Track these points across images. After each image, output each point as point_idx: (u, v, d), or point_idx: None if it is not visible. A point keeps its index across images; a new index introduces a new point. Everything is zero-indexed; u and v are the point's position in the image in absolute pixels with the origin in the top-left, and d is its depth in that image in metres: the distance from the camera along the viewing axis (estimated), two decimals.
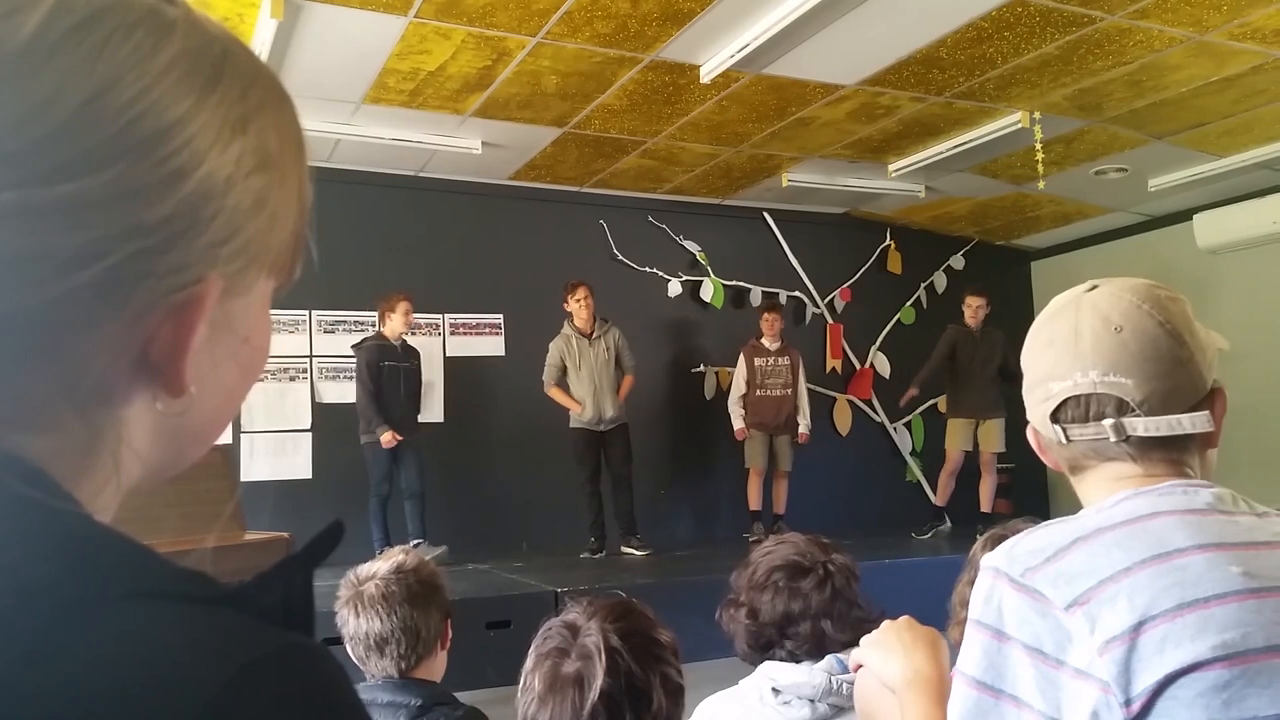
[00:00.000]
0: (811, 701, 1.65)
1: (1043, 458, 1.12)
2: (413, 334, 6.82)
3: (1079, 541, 0.94)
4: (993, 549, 2.11)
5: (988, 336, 6.96)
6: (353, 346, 6.12)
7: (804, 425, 7.11)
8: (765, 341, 7.16)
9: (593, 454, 6.46)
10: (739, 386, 7.16)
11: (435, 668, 1.90)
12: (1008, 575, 0.95)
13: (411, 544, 5.73)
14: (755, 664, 1.80)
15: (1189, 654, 0.84)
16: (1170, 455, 1.02)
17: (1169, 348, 1.02)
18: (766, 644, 1.76)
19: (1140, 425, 1.00)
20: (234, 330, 0.49)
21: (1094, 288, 1.09)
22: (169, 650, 0.37)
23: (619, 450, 6.52)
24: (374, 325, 6.31)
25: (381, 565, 1.89)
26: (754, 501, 7.14)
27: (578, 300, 6.48)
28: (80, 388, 0.43)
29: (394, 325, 6.03)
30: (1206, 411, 1.02)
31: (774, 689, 1.67)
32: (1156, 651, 0.85)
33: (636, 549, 6.41)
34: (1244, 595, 0.87)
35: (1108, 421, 1.01)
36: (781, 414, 7.06)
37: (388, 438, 5.79)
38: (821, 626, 1.72)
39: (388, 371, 5.94)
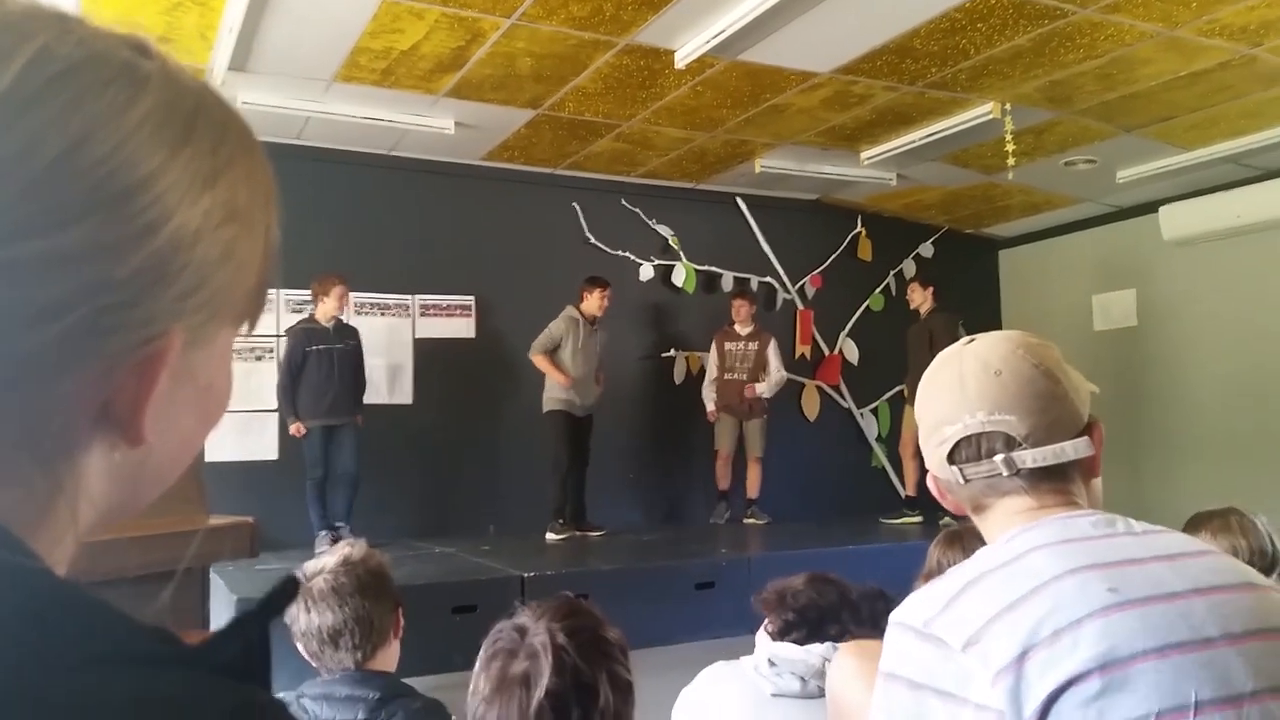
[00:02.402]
0: (802, 679, 1.73)
1: (943, 502, 1.20)
2: (381, 315, 6.80)
3: (969, 586, 1.01)
4: (948, 547, 2.15)
5: (925, 324, 6.92)
6: (285, 330, 6.03)
7: (761, 388, 7.13)
8: (737, 327, 7.28)
9: (572, 435, 6.48)
10: (711, 371, 7.33)
11: (390, 658, 1.90)
12: (912, 628, 1.02)
13: (334, 526, 5.73)
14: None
15: (1065, 671, 0.91)
16: (1058, 486, 1.10)
17: (1044, 386, 1.10)
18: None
19: (1029, 457, 1.08)
20: (195, 379, 0.49)
21: (972, 340, 1.17)
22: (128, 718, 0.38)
23: (586, 439, 6.60)
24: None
25: (329, 559, 1.90)
26: (722, 482, 7.28)
27: (604, 297, 6.59)
28: (42, 440, 0.43)
29: (326, 307, 5.89)
30: (1086, 437, 1.10)
31: (770, 661, 1.76)
32: (1040, 676, 0.91)
33: (557, 535, 6.40)
34: (1110, 610, 0.94)
35: (998, 457, 1.09)
36: (746, 397, 7.14)
37: (295, 429, 5.76)
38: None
39: (314, 356, 5.81)
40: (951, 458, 1.11)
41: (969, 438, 1.10)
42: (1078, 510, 1.08)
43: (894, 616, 1.05)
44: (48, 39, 0.43)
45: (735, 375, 7.20)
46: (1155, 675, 0.90)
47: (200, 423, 0.51)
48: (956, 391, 1.11)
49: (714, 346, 7.31)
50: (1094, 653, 0.91)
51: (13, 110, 0.41)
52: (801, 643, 1.82)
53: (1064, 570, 0.97)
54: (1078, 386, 1.13)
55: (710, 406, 7.27)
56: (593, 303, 6.59)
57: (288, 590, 0.49)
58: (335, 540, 5.35)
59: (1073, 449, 1.08)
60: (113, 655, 0.39)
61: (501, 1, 4.55)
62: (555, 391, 6.46)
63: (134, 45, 0.47)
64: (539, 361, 6.44)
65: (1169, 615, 0.93)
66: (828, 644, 1.74)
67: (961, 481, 1.11)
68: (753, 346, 7.22)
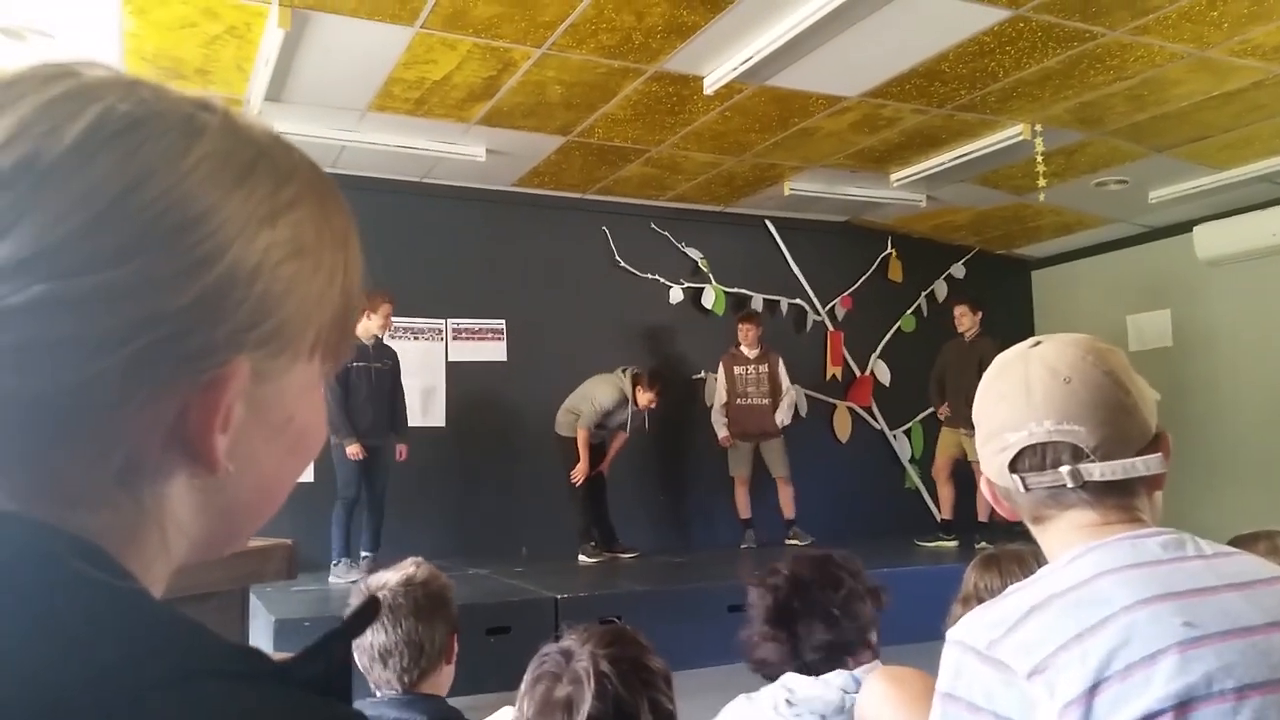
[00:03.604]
0: (822, 716, 1.70)
1: (997, 508, 1.15)
2: (414, 339, 6.86)
3: (1034, 611, 0.98)
4: (985, 570, 2.15)
5: (975, 346, 6.95)
6: None
7: (780, 418, 7.13)
8: (744, 349, 7.22)
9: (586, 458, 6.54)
10: (720, 395, 7.24)
11: (440, 682, 1.90)
12: (974, 649, 0.99)
13: (361, 557, 5.67)
14: (772, 676, 1.85)
15: (1137, 709, 0.88)
16: (1123, 500, 1.06)
17: (1115, 396, 1.06)
18: (781, 623, 1.82)
19: (1096, 470, 1.04)
20: (273, 411, 0.51)
21: (1038, 343, 1.13)
22: None
23: (600, 462, 6.67)
24: None
25: (392, 576, 1.90)
26: (743, 510, 7.19)
27: (652, 402, 6.59)
28: (115, 464, 0.46)
29: (370, 325, 5.74)
30: (1160, 454, 1.06)
31: (788, 701, 1.72)
32: (1110, 712, 0.89)
33: (590, 557, 6.50)
34: (1185, 646, 0.90)
35: (1064, 468, 1.04)
36: (764, 422, 7.10)
37: (354, 450, 5.56)
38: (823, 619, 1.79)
39: (356, 373, 5.65)
40: (1013, 466, 1.07)
41: (1033, 446, 1.06)
42: (1144, 528, 1.04)
43: (953, 635, 1.03)
44: (114, 100, 0.47)
45: (749, 400, 7.13)
46: (1232, 717, 0.87)
47: (288, 457, 0.53)
48: (1022, 397, 1.07)
49: (721, 371, 7.24)
50: (1168, 691, 0.88)
51: (76, 163, 0.44)
52: (789, 630, 1.80)
53: (1135, 600, 0.94)
54: (1145, 395, 1.09)
55: (723, 433, 7.14)
56: (642, 399, 6.57)
57: (369, 611, 0.51)
58: (372, 567, 5.37)
59: (1144, 465, 1.05)
60: (207, 670, 0.41)
61: (532, 32, 4.62)
62: (572, 419, 6.52)
63: (198, 103, 0.50)
64: (582, 439, 6.42)
65: (1247, 653, 0.90)
66: (846, 675, 1.71)
67: (1022, 490, 1.07)
68: (763, 369, 7.15)
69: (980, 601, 2.00)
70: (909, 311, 8.57)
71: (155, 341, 0.44)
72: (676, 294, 7.77)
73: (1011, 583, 1.98)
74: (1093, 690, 0.90)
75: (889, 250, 8.49)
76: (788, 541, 7.08)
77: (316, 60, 4.88)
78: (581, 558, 6.39)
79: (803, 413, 7.61)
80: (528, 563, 6.36)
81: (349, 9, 4.36)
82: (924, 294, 8.60)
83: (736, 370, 7.19)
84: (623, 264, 7.56)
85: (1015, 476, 1.07)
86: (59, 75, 0.47)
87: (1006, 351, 1.16)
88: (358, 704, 1.90)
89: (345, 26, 4.51)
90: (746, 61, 4.84)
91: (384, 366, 5.90)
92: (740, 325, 7.29)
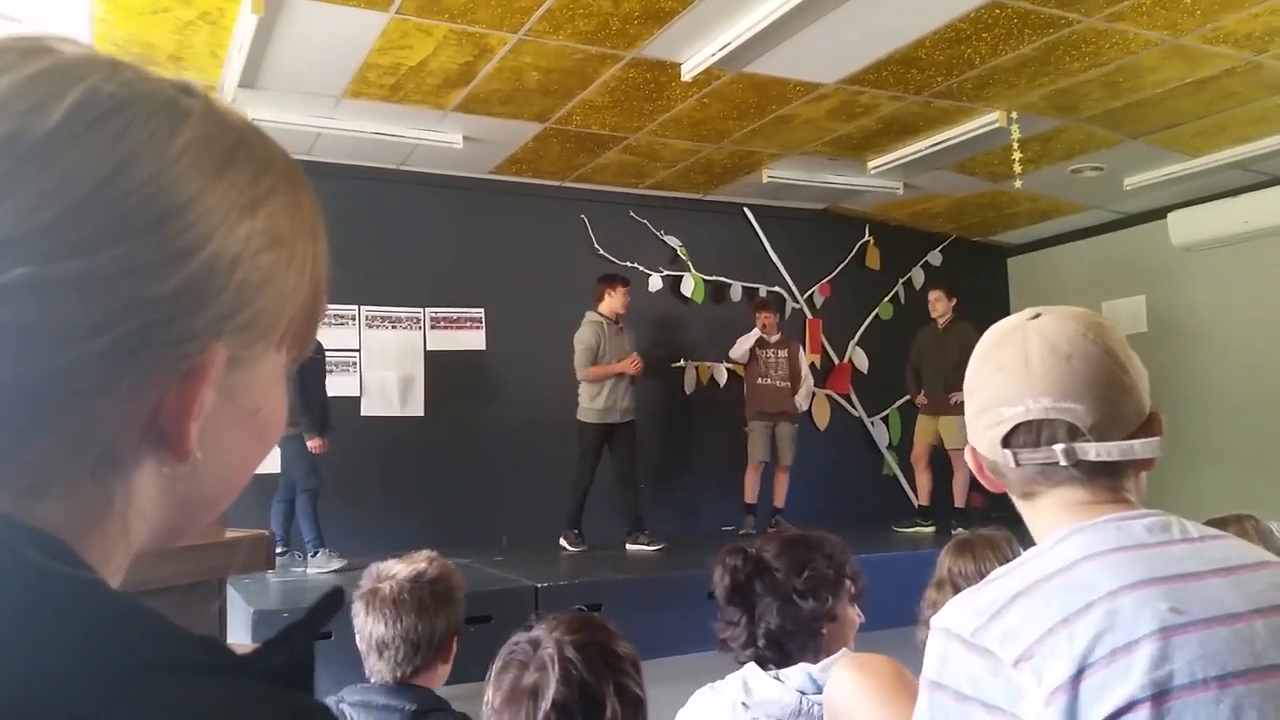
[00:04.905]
0: None
1: (980, 479, 1.14)
2: (392, 328, 6.83)
3: (1019, 597, 0.97)
4: (959, 555, 2.16)
5: (950, 332, 7.00)
6: None
7: (800, 400, 7.28)
8: (766, 336, 7.29)
9: (599, 449, 6.46)
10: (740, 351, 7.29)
11: (434, 678, 1.91)
12: (959, 637, 0.98)
13: (310, 553, 5.63)
14: (739, 658, 1.83)
15: (1122, 696, 0.88)
16: (1113, 480, 1.06)
17: (1115, 375, 1.05)
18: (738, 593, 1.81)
19: (1092, 450, 1.02)
20: (242, 400, 0.51)
21: (1038, 315, 1.10)
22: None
23: (628, 445, 6.55)
24: (352, 319, 6.31)
25: (403, 568, 1.90)
26: (749, 494, 7.19)
27: (626, 294, 6.55)
28: (89, 453, 0.45)
29: None
30: (1158, 438, 1.05)
31: (744, 703, 1.69)
32: (1095, 698, 0.88)
33: (646, 544, 6.44)
34: (1170, 632, 0.90)
35: (1059, 446, 1.03)
36: (783, 402, 7.18)
37: (317, 444, 5.54)
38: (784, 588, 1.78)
39: (308, 364, 5.65)
40: (1006, 441, 1.06)
41: (1029, 423, 1.04)
42: (1131, 510, 1.03)
43: (938, 622, 1.02)
44: (97, 80, 0.46)
45: (769, 380, 7.21)
46: (1214, 706, 0.86)
47: (252, 447, 0.53)
48: (1020, 372, 1.05)
49: (753, 343, 7.28)
50: (1151, 678, 0.87)
51: (60, 145, 0.44)
52: (746, 615, 1.78)
53: (1120, 585, 0.93)
54: (1141, 374, 1.08)
55: (746, 344, 7.19)
56: (616, 301, 6.52)
57: (332, 603, 0.51)
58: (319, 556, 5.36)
59: (1141, 448, 1.03)
60: (168, 663, 0.41)
61: (509, 17, 4.58)
62: (589, 401, 6.42)
63: (179, 86, 0.50)
64: (593, 374, 6.38)
65: (1230, 641, 0.89)
66: (804, 675, 1.68)
67: (1013, 465, 1.06)
68: (783, 354, 7.25)
69: (954, 586, 2.01)
70: (887, 299, 8.60)
71: (136, 328, 0.44)
72: (655, 282, 7.76)
73: (985, 567, 1.99)
74: (1078, 676, 0.89)
75: (867, 238, 8.51)
76: (770, 530, 7.09)
77: (291, 46, 4.82)
78: (563, 543, 6.39)
79: None
80: (508, 551, 6.35)
81: None
82: (901, 281, 8.63)
83: (758, 352, 7.26)
84: (602, 252, 7.54)
85: (1007, 451, 1.06)
86: (36, 49, 0.46)
87: (1004, 321, 1.14)
88: (349, 688, 1.89)
89: (320, 11, 4.46)
90: (724, 48, 4.83)
91: (320, 356, 5.92)
92: (757, 314, 7.32)
